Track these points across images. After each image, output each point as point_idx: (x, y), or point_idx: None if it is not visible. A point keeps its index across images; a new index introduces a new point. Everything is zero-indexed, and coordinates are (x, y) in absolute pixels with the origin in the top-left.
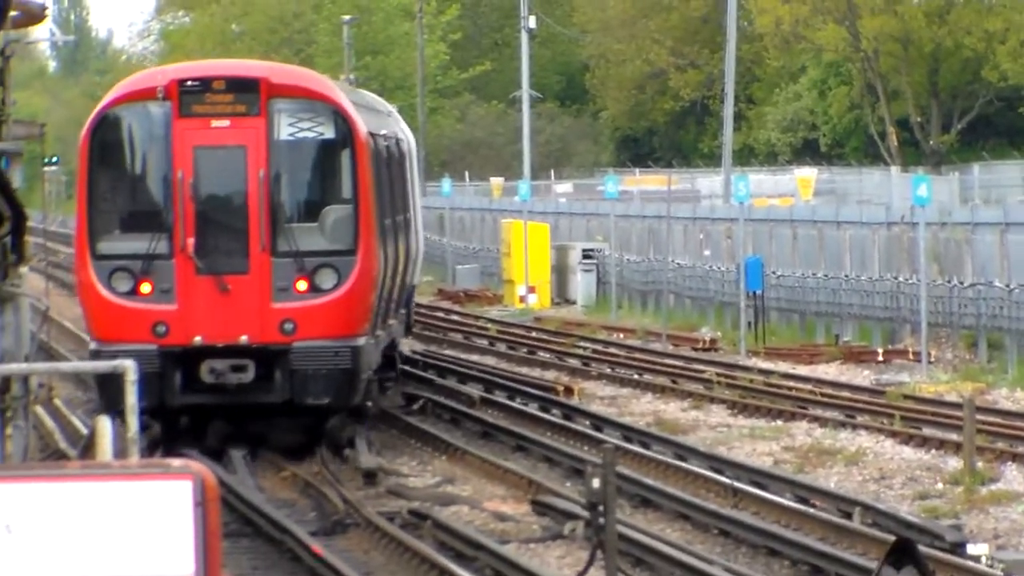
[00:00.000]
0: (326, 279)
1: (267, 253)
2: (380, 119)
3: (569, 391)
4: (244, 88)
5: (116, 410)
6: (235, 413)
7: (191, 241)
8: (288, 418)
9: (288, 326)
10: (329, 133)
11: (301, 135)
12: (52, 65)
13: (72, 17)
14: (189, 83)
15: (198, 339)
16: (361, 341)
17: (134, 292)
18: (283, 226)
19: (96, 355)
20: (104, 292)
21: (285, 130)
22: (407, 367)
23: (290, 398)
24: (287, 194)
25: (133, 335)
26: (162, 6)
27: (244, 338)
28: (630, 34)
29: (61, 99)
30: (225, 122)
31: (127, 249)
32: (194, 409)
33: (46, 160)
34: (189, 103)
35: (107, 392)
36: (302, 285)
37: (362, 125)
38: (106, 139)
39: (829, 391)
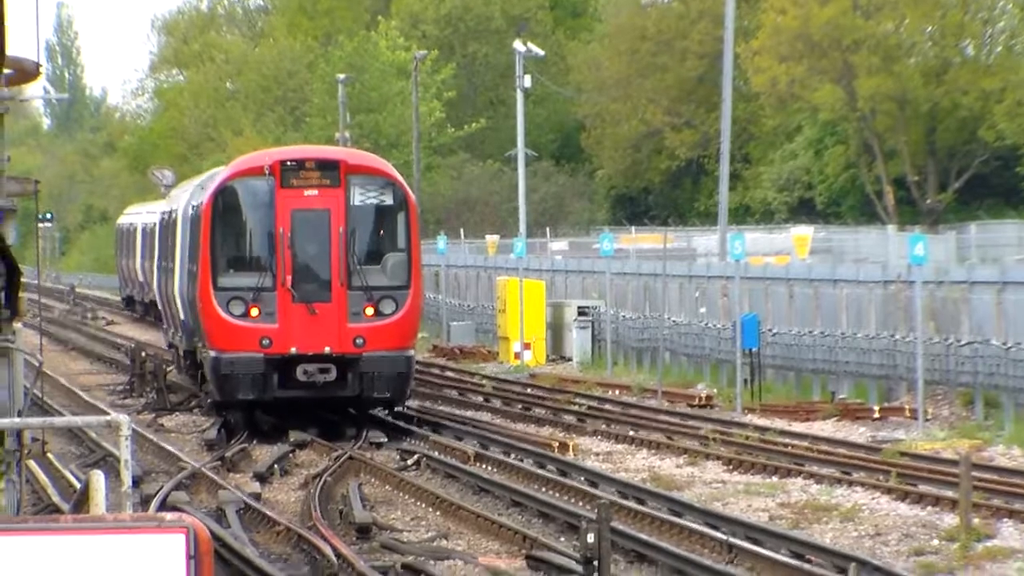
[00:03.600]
0: (387, 307)
1: (344, 287)
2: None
3: (564, 447)
4: (328, 167)
5: (231, 401)
6: (318, 404)
7: (289, 278)
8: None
9: (359, 340)
10: (389, 200)
11: (369, 201)
12: (46, 123)
13: (66, 75)
14: (288, 163)
15: (293, 349)
16: (412, 352)
17: (246, 315)
18: (356, 268)
19: (216, 361)
20: (223, 314)
21: (358, 197)
22: (402, 423)
23: (360, 393)
24: (359, 244)
25: (245, 346)
26: (156, 64)
27: (327, 349)
28: (626, 93)
29: (55, 156)
30: (314, 192)
31: (241, 283)
32: (287, 401)
33: (40, 217)
34: (288, 178)
35: (223, 387)
36: (370, 311)
37: (411, 193)
38: (226, 203)
39: (825, 448)
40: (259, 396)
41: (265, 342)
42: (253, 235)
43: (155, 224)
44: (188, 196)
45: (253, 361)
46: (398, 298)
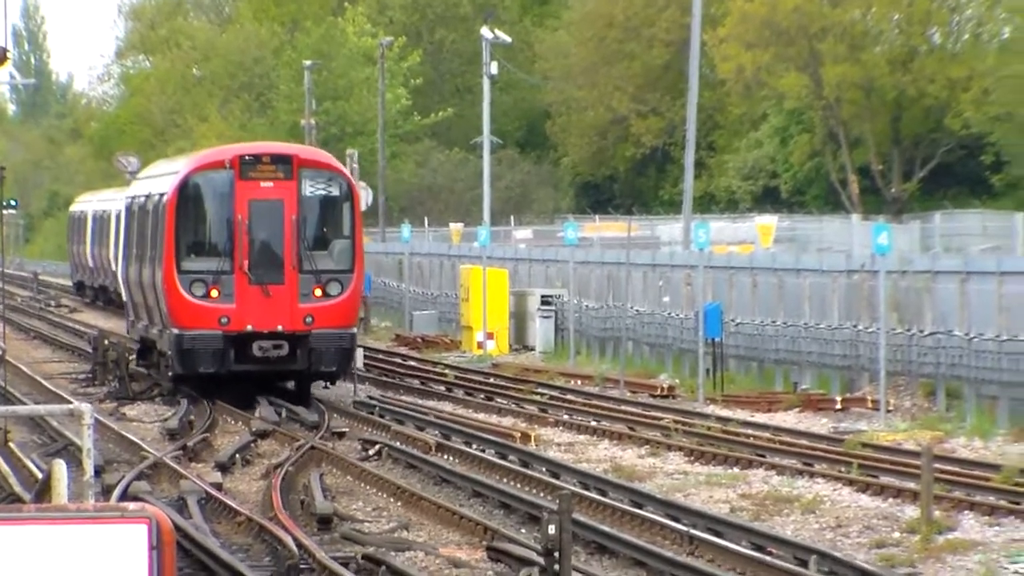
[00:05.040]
0: (334, 288)
1: (296, 271)
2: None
3: (526, 437)
4: (282, 161)
5: (191, 373)
6: (270, 377)
7: (246, 262)
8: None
9: (309, 319)
10: (336, 191)
11: (318, 192)
12: (11, 108)
13: (32, 60)
14: (247, 157)
15: (249, 327)
16: (354, 330)
17: (207, 296)
18: (306, 253)
19: (179, 338)
20: (186, 295)
21: (308, 189)
22: (363, 412)
23: (308, 367)
24: (309, 231)
25: (205, 324)
26: (122, 50)
27: (280, 327)
28: (592, 81)
29: (20, 142)
30: (270, 184)
31: (203, 266)
32: (241, 374)
33: (4, 203)
34: (246, 171)
35: (184, 361)
36: (318, 292)
37: (356, 186)
38: (188, 194)
39: (787, 439)
40: (218, 370)
41: (223, 320)
42: (213, 223)
43: (105, 212)
44: (148, 186)
45: (213, 338)
46: (343, 280)
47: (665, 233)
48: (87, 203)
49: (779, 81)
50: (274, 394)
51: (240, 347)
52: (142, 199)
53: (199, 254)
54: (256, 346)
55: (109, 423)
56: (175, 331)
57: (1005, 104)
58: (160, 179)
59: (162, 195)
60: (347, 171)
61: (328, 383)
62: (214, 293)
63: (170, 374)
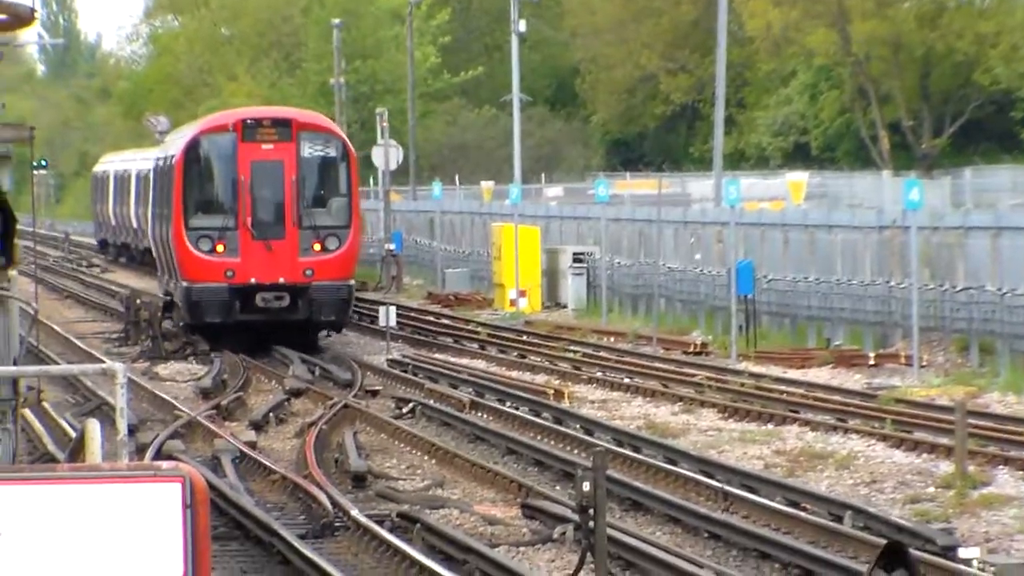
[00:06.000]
0: (332, 243)
1: (296, 227)
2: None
3: (560, 395)
4: (282, 125)
5: (199, 323)
6: (272, 327)
7: (249, 219)
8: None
9: (308, 272)
10: (333, 153)
11: (316, 154)
12: (40, 68)
13: (60, 20)
14: (249, 121)
15: (253, 280)
16: (352, 282)
17: (212, 251)
18: (306, 209)
19: (188, 291)
20: (193, 250)
21: (307, 150)
22: (396, 370)
23: (309, 317)
24: (308, 190)
25: (212, 277)
26: (151, 10)
27: (282, 279)
28: (620, 38)
29: (49, 102)
30: (270, 146)
31: (209, 223)
32: (246, 324)
33: (35, 164)
34: (248, 134)
35: (193, 312)
36: (317, 247)
37: (351, 147)
38: (194, 156)
39: (820, 395)
40: (224, 320)
41: (229, 273)
42: (219, 183)
43: (126, 172)
44: (167, 149)
45: (219, 290)
46: (341, 236)
47: (696, 190)
48: (109, 163)
49: (807, 38)
50: (282, 344)
51: (245, 299)
52: (161, 161)
53: (206, 212)
54: (260, 297)
55: (142, 382)
56: (184, 284)
57: None
58: (175, 142)
59: (173, 157)
60: (343, 133)
61: (331, 332)
62: (220, 248)
63: (180, 324)
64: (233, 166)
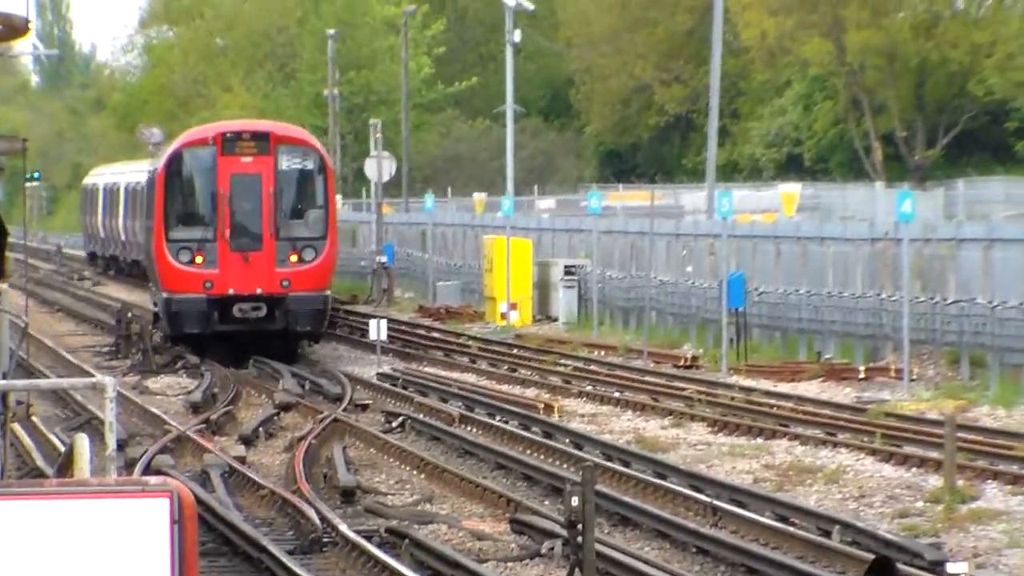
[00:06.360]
0: (308, 254)
1: (273, 238)
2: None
3: (549, 409)
4: (260, 138)
5: (179, 334)
6: (251, 337)
7: (227, 231)
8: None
9: (285, 283)
10: (310, 165)
11: (294, 166)
12: (34, 79)
13: (55, 31)
14: (228, 135)
15: (231, 291)
16: (328, 293)
17: (192, 262)
18: (283, 221)
19: (168, 301)
20: (173, 262)
21: (284, 163)
22: (386, 384)
23: (286, 327)
24: (285, 202)
25: (191, 288)
26: (146, 20)
27: (259, 290)
28: (615, 48)
29: (43, 113)
30: (249, 159)
31: (189, 235)
32: (225, 334)
33: (27, 175)
34: (227, 147)
35: (172, 322)
36: (294, 258)
37: (328, 160)
38: (175, 169)
39: (810, 409)
40: (203, 330)
41: (207, 284)
42: (199, 195)
43: (115, 185)
44: (153, 162)
45: (198, 300)
46: (317, 247)
47: (689, 202)
48: (99, 176)
49: (802, 48)
50: (261, 354)
51: (223, 309)
52: (148, 174)
53: (186, 224)
54: (237, 308)
55: (132, 396)
56: (164, 295)
57: None
58: (160, 156)
59: (154, 170)
60: (320, 146)
61: (310, 343)
62: (199, 259)
63: (161, 335)
64: (213, 179)
